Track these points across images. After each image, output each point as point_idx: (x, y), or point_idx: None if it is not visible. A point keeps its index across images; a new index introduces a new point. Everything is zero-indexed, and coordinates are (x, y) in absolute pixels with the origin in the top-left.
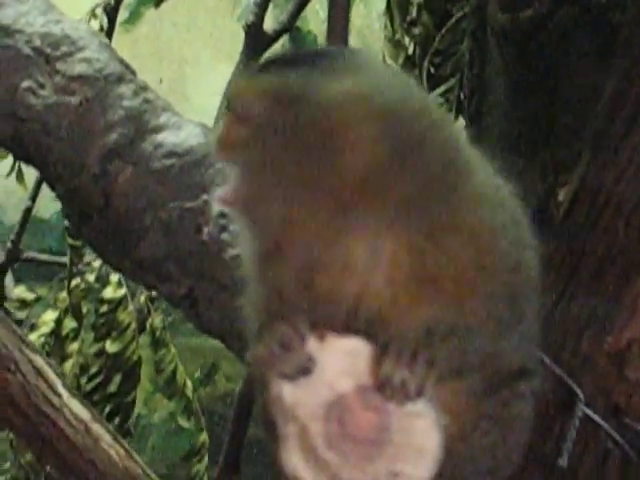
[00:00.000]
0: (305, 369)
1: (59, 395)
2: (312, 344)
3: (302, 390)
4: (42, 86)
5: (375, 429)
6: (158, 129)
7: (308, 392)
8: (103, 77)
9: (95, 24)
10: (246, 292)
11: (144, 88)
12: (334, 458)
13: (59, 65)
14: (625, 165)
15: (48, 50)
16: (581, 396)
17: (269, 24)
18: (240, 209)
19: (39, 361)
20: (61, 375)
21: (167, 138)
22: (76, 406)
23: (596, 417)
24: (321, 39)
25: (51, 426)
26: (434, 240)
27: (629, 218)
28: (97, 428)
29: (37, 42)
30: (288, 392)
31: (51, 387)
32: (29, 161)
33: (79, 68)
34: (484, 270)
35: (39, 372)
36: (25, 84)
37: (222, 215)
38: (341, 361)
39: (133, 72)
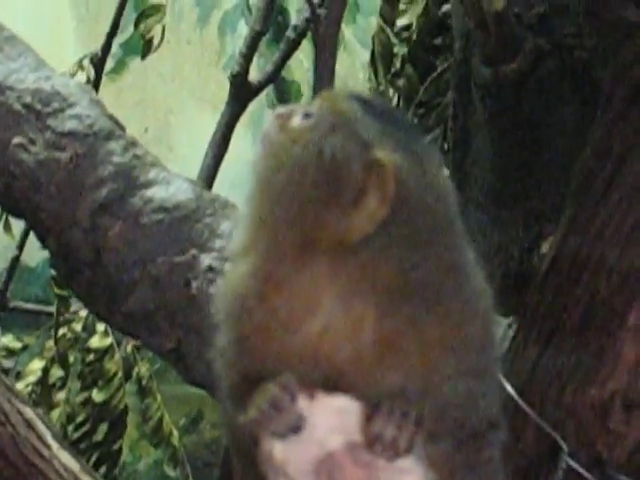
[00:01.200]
0: (296, 427)
1: (48, 446)
2: (302, 403)
3: (293, 447)
4: (33, 142)
5: None
6: (147, 184)
7: (298, 449)
8: (93, 133)
9: (82, 75)
10: (220, 347)
11: (133, 144)
12: None
13: (50, 121)
14: (606, 221)
15: (39, 106)
16: (565, 447)
17: (254, 74)
18: None
19: (29, 412)
20: (50, 426)
21: (156, 193)
22: (65, 457)
23: (580, 468)
24: (304, 88)
25: (41, 477)
26: (415, 320)
27: (610, 274)
28: (86, 479)
29: (28, 99)
30: (279, 449)
31: (41, 438)
32: (20, 215)
33: (70, 124)
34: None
35: (29, 424)
36: (16, 140)
37: (210, 269)
38: (331, 419)
39: (122, 128)
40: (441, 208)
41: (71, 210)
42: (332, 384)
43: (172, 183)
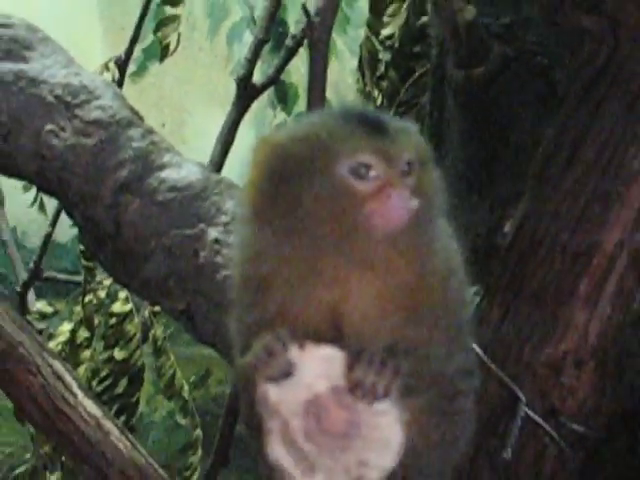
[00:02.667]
0: (287, 372)
1: (75, 395)
2: (293, 352)
3: (284, 391)
4: (63, 129)
5: (346, 424)
6: (162, 167)
7: (289, 392)
8: (115, 122)
9: (108, 75)
10: (233, 312)
11: (150, 131)
12: (311, 449)
13: (78, 111)
14: (560, 204)
15: (68, 98)
16: (523, 399)
17: (257, 77)
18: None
19: (58, 365)
20: (76, 377)
21: (170, 175)
22: (89, 405)
23: (536, 417)
24: (301, 90)
25: (67, 422)
26: (406, 281)
27: (564, 248)
28: (107, 424)
29: (59, 91)
30: (272, 392)
31: (68, 388)
32: (51, 194)
33: (95, 114)
34: (439, 305)
35: (57, 375)
36: (48, 127)
37: (216, 241)
38: (318, 366)
39: (141, 118)
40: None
41: (95, 188)
42: (334, 338)
43: (183, 166)
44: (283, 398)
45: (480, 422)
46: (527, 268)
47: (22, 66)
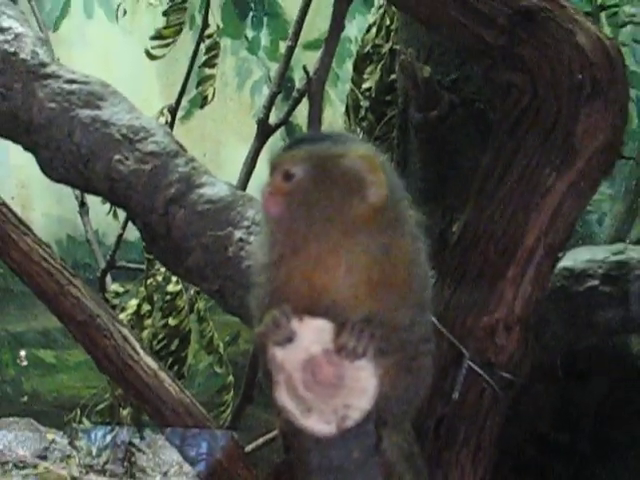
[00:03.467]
0: (289, 339)
1: (138, 353)
2: (294, 323)
3: (287, 352)
4: (127, 159)
5: (335, 377)
6: (200, 186)
7: (291, 354)
8: (166, 153)
9: (162, 119)
10: (253, 292)
11: (192, 160)
12: (309, 395)
13: (138, 145)
14: (495, 210)
15: (131, 136)
16: (467, 354)
17: (272, 119)
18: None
19: (125, 331)
20: (139, 340)
21: (206, 191)
22: (149, 360)
23: (476, 368)
24: (304, 129)
25: (132, 372)
26: (381, 264)
27: (497, 243)
28: (162, 374)
29: (124, 131)
30: (279, 354)
31: (133, 348)
32: (119, 206)
33: (151, 147)
34: (406, 298)
35: (125, 339)
36: (116, 157)
37: (241, 240)
38: (313, 334)
39: (185, 150)
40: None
41: (151, 202)
42: (324, 312)
43: (216, 185)
44: (287, 358)
45: (435, 372)
46: (469, 258)
47: (97, 112)
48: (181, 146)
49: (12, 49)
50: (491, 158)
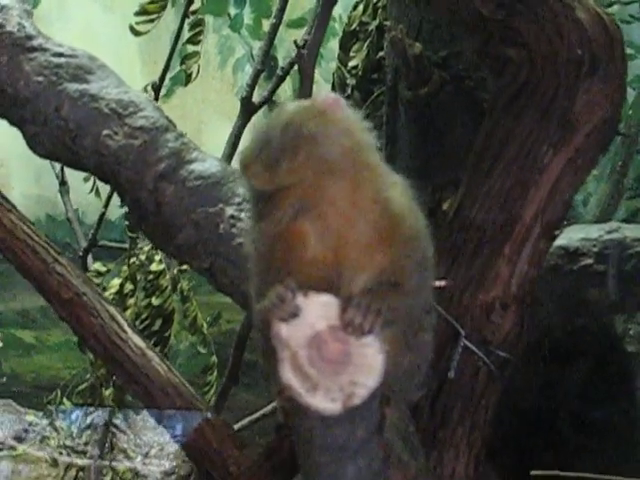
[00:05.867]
0: (294, 314)
1: (125, 332)
2: (299, 298)
3: (292, 328)
4: (116, 133)
5: (341, 354)
6: (191, 161)
7: (296, 329)
8: (155, 128)
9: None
10: (251, 269)
11: (181, 135)
12: (314, 373)
13: (127, 120)
14: (491, 187)
15: (120, 110)
16: (463, 333)
17: (256, 97)
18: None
19: (112, 310)
20: (126, 319)
21: (196, 167)
22: (136, 339)
23: (472, 346)
24: None
25: (120, 351)
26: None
27: (494, 221)
28: (149, 353)
29: (113, 105)
30: (284, 329)
31: (120, 327)
32: (107, 182)
33: (140, 122)
34: (410, 252)
35: (112, 317)
36: (105, 132)
37: (232, 217)
38: (319, 309)
39: (174, 125)
40: None
41: (141, 178)
42: (329, 286)
43: (207, 161)
44: (292, 334)
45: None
46: (466, 235)
47: (85, 86)
48: (170, 121)
49: None
50: (487, 134)
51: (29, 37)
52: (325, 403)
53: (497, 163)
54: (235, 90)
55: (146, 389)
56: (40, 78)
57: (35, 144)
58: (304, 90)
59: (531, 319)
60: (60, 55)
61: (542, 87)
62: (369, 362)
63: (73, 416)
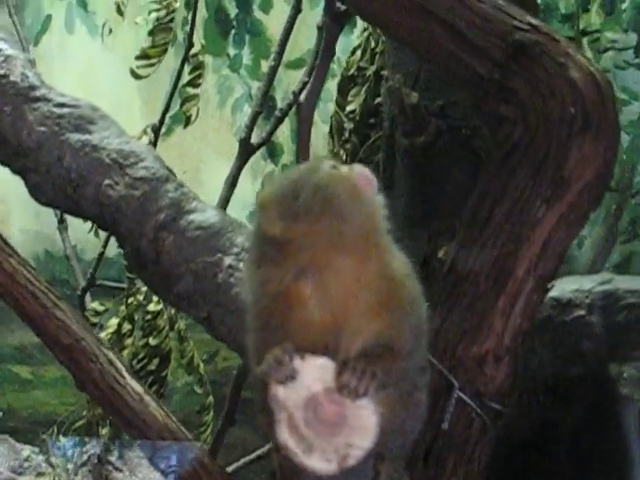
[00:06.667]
0: (292, 377)
1: (124, 377)
2: (296, 361)
3: (290, 390)
4: (117, 183)
5: (337, 416)
6: (190, 212)
7: (293, 392)
8: (156, 178)
9: (145, 138)
10: (250, 330)
11: (181, 185)
12: (310, 434)
13: (128, 170)
14: (485, 241)
15: (121, 160)
16: (456, 384)
17: (254, 138)
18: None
19: (111, 355)
20: (125, 364)
21: (196, 218)
22: (134, 384)
23: (465, 398)
24: (286, 148)
25: (118, 396)
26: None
27: (487, 275)
28: (147, 398)
29: (114, 155)
30: (281, 392)
31: (119, 372)
32: (107, 230)
33: (141, 172)
34: (406, 318)
35: (111, 362)
36: (106, 182)
37: (230, 267)
38: (315, 372)
39: (175, 175)
40: None
41: (141, 227)
42: (326, 348)
43: (206, 211)
44: (289, 396)
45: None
46: (460, 288)
47: (87, 136)
48: (171, 171)
49: (2, 71)
50: (482, 189)
51: (32, 87)
52: (321, 463)
53: (491, 218)
54: (234, 130)
55: (143, 434)
56: (43, 128)
57: (37, 193)
58: (301, 141)
59: (524, 369)
60: (62, 105)
61: (535, 144)
62: (364, 424)
63: (69, 451)
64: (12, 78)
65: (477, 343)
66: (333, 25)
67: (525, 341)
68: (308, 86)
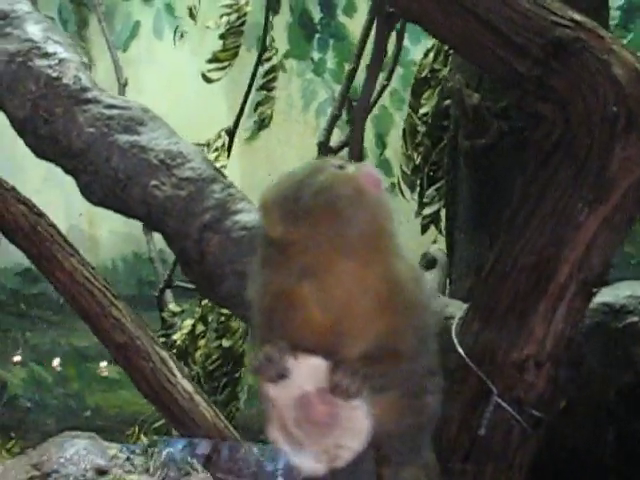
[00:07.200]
0: (283, 375)
1: (175, 376)
2: (289, 360)
3: (281, 389)
4: (164, 184)
5: (327, 416)
6: (236, 212)
7: (284, 391)
8: (202, 179)
9: (220, 141)
10: (252, 318)
11: (229, 186)
12: (300, 434)
13: (175, 171)
14: (526, 244)
15: (168, 161)
16: (495, 391)
17: (335, 141)
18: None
19: (163, 354)
20: (177, 363)
21: (241, 218)
22: (185, 383)
23: (505, 405)
24: (370, 152)
25: (169, 395)
26: (382, 303)
27: (528, 278)
28: (198, 397)
29: (162, 156)
30: (272, 390)
31: (170, 371)
32: (155, 230)
33: (187, 173)
34: (408, 320)
35: (163, 361)
36: (153, 182)
37: None
38: (307, 371)
39: (224, 175)
40: None
41: (186, 228)
42: (325, 350)
43: (252, 212)
44: (279, 394)
45: (463, 407)
46: (500, 292)
47: (135, 137)
48: (219, 171)
49: (55, 74)
50: (523, 190)
51: (84, 89)
52: (309, 463)
53: (532, 219)
54: (317, 133)
55: (192, 432)
56: (92, 129)
57: (88, 193)
58: (354, 144)
59: (572, 377)
60: (113, 107)
61: (577, 144)
62: (355, 425)
63: (150, 451)
64: (65, 81)
65: (517, 348)
66: (383, 27)
67: (569, 348)
68: (361, 88)
